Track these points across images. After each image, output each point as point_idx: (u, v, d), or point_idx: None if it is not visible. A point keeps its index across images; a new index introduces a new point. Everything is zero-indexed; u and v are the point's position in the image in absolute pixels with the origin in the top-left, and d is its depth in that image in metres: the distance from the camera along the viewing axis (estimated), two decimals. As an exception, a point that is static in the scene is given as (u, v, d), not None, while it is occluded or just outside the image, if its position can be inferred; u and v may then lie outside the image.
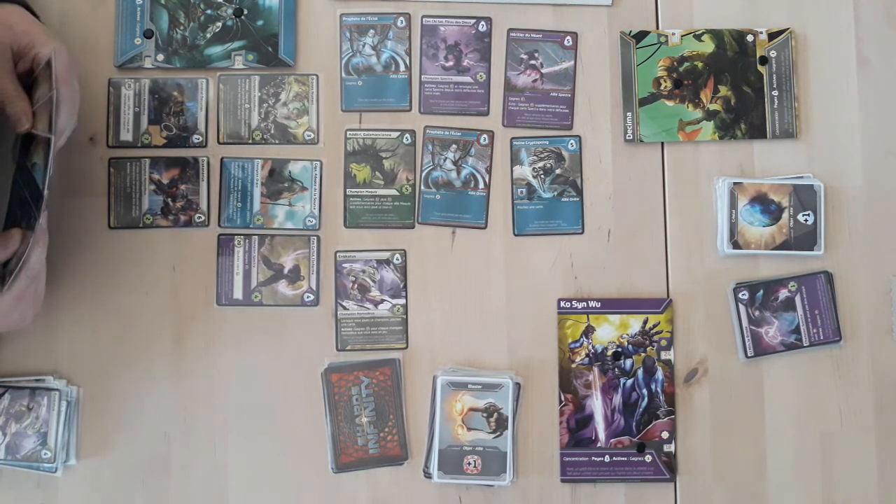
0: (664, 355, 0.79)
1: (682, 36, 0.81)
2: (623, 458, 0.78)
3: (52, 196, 0.78)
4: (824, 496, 0.78)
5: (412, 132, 0.80)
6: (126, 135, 0.79)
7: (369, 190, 0.80)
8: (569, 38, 0.81)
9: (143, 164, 0.79)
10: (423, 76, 0.80)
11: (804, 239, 0.79)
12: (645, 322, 0.79)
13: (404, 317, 0.79)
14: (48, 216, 0.78)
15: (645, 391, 0.78)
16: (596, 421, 0.78)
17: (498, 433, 0.77)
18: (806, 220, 0.79)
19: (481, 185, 0.80)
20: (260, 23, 0.80)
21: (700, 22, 0.81)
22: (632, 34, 0.81)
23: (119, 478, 0.77)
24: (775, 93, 0.80)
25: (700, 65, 0.81)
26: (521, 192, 0.80)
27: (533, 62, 0.81)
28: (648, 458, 0.78)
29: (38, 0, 0.78)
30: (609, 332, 0.79)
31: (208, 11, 0.80)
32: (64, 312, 0.78)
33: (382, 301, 0.79)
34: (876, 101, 0.81)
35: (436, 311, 0.79)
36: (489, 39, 0.81)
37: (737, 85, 0.80)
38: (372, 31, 0.80)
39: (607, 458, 0.78)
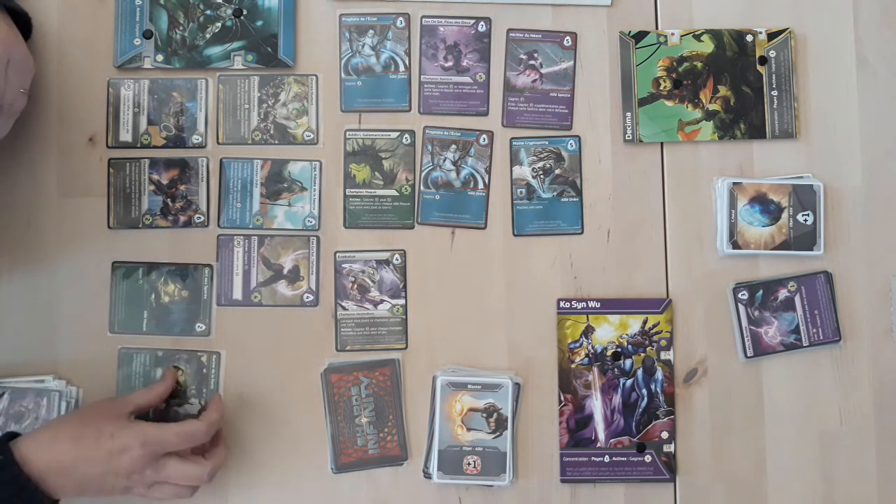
0: (664, 355, 0.79)
1: (682, 36, 0.81)
2: (623, 459, 0.78)
3: (52, 196, 0.78)
4: (824, 496, 0.78)
5: (412, 132, 0.80)
6: (125, 135, 0.79)
7: (369, 190, 0.80)
8: (568, 38, 0.81)
9: (143, 164, 0.79)
10: (422, 76, 0.80)
11: (804, 239, 0.79)
12: (644, 322, 0.79)
13: (404, 317, 0.79)
14: (47, 216, 0.78)
15: (645, 391, 0.78)
16: (596, 421, 0.78)
17: (497, 433, 0.77)
18: (805, 220, 0.79)
19: (481, 186, 0.80)
20: (259, 23, 0.80)
21: (699, 22, 0.81)
22: (631, 34, 0.81)
23: (119, 478, 0.77)
24: (775, 93, 0.80)
25: (699, 65, 0.81)
26: (521, 192, 0.80)
27: (532, 62, 0.80)
28: (648, 459, 0.78)
29: (38, 0, 0.78)
30: (609, 332, 0.79)
31: (208, 12, 0.80)
32: (64, 312, 0.78)
33: (382, 301, 0.79)
34: (875, 102, 0.81)
35: (435, 312, 0.79)
36: (489, 40, 0.81)
37: (736, 85, 0.80)
38: (371, 31, 0.80)
39: (607, 459, 0.78)
